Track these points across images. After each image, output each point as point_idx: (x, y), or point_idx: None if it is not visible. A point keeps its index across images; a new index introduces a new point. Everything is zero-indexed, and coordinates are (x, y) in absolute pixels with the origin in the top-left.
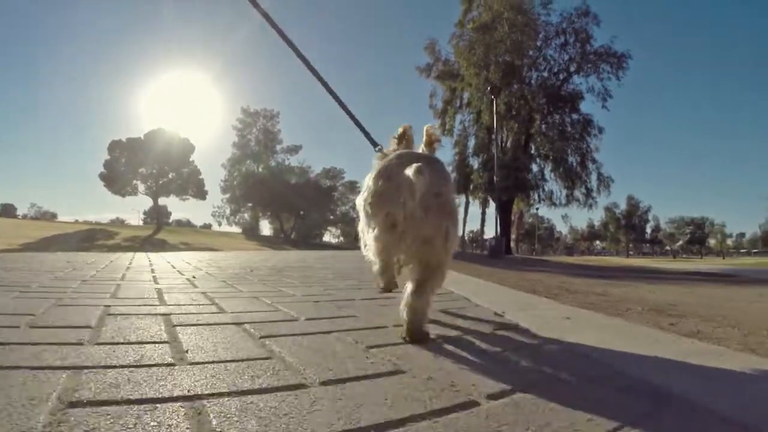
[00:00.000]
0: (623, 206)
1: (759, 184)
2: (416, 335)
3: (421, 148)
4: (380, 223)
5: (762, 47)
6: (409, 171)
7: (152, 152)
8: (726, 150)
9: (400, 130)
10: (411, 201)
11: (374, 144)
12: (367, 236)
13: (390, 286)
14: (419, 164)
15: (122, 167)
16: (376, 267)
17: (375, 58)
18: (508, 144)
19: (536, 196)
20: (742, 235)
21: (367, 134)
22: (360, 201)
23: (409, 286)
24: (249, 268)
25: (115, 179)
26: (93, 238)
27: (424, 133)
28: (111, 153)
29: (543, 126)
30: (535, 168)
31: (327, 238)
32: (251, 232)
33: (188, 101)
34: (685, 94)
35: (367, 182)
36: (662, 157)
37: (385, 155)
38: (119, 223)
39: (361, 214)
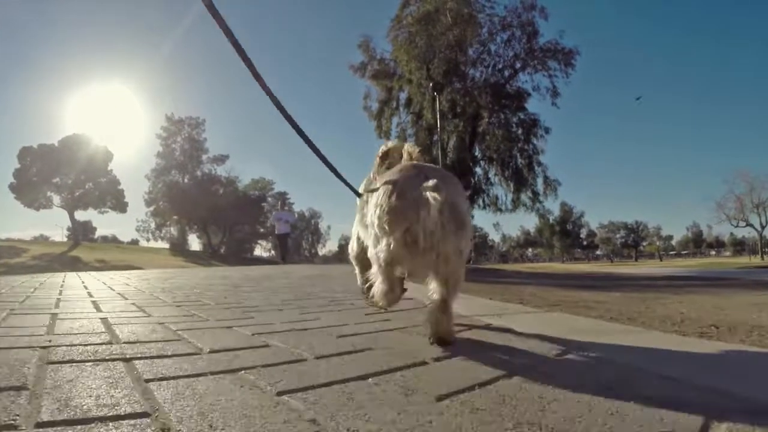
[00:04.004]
0: (557, 212)
1: (683, 188)
2: (444, 340)
3: None
4: (398, 239)
5: (693, 50)
6: (428, 187)
7: (67, 160)
8: (649, 155)
9: (384, 148)
10: (430, 217)
11: (358, 195)
12: (378, 252)
13: (392, 305)
14: (436, 180)
15: (34, 177)
16: (381, 287)
17: (303, 54)
18: (451, 145)
19: (481, 201)
20: (670, 237)
21: (350, 186)
22: (372, 218)
23: (434, 298)
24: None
25: (26, 190)
26: None
27: (405, 151)
28: (21, 161)
29: (489, 126)
30: (479, 171)
31: (258, 252)
32: (179, 247)
33: (107, 108)
34: (606, 98)
35: (377, 200)
36: (587, 161)
37: (371, 182)
38: (42, 239)
39: (372, 231)
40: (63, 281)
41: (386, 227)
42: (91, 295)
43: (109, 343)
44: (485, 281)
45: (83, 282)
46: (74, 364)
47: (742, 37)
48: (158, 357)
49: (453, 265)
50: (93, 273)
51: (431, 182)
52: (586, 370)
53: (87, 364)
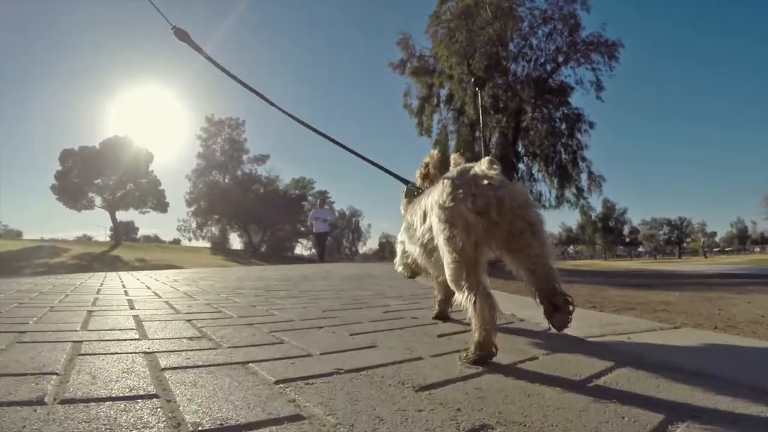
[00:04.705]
0: (599, 209)
1: (726, 184)
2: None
3: None
4: (469, 208)
5: (739, 45)
6: (481, 163)
7: (108, 162)
8: (691, 152)
9: (427, 160)
10: (494, 180)
11: (405, 182)
12: (445, 235)
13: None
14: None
15: (75, 178)
16: (454, 268)
17: (343, 54)
18: (494, 141)
19: None
20: (714, 234)
21: (396, 175)
22: (429, 219)
23: (538, 285)
24: None
25: (68, 192)
26: (34, 256)
27: (452, 161)
28: (63, 163)
29: (532, 121)
30: (522, 167)
31: (299, 250)
32: (220, 246)
33: (146, 110)
34: (647, 95)
35: (436, 197)
36: (629, 158)
37: (416, 188)
38: (86, 240)
39: (438, 229)
40: (79, 284)
41: (452, 203)
42: (94, 303)
43: (40, 402)
44: None
45: (100, 284)
46: None
47: None
48: None
49: (543, 236)
50: (122, 273)
51: (483, 160)
52: None
53: None
